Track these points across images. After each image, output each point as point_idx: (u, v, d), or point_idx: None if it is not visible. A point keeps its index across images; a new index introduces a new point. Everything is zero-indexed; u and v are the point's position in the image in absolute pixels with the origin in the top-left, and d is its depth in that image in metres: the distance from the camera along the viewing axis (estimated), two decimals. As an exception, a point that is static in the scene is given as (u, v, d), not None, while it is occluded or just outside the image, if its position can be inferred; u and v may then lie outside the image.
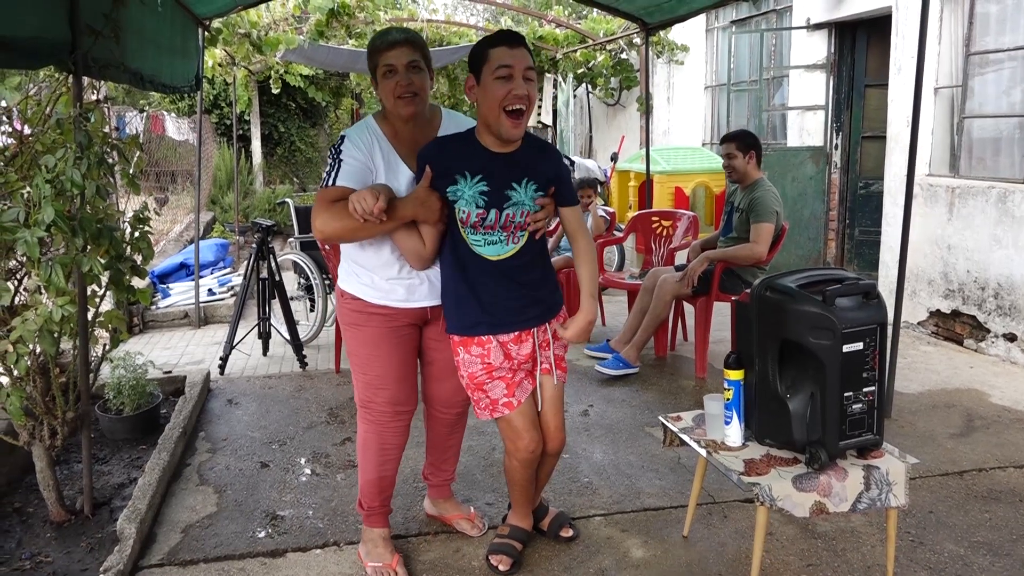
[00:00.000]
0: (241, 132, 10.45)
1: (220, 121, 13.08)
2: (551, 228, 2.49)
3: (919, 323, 5.53)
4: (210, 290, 6.43)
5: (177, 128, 12.89)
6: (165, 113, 13.29)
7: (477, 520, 2.83)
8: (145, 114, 12.24)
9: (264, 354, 5.20)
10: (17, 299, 2.82)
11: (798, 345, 2.28)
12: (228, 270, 7.19)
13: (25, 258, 2.69)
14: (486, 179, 2.28)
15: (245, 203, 10.86)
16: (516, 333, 2.42)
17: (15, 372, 2.76)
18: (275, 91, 9.25)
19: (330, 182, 2.30)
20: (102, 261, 2.71)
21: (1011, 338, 4.78)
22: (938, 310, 5.37)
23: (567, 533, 2.77)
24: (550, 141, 12.22)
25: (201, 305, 6.10)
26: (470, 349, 2.41)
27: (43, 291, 2.66)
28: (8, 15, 2.27)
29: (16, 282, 2.86)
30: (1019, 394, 4.21)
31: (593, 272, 2.47)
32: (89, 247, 2.70)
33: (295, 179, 14.25)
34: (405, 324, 2.49)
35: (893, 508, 2.38)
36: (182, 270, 6.73)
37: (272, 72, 9.12)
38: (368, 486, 2.59)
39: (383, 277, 2.43)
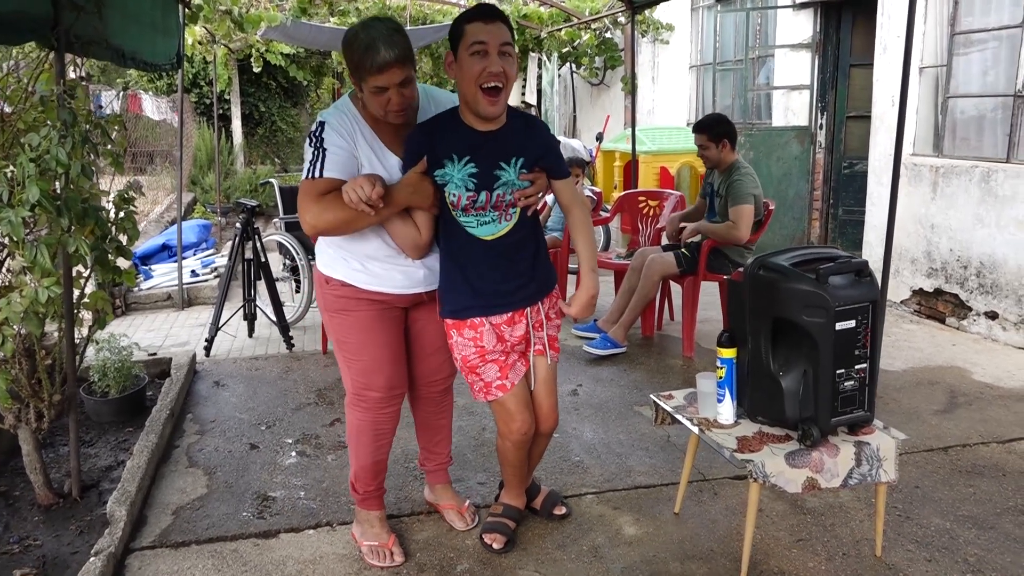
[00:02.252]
0: (221, 112, 10.30)
1: (200, 100, 12.90)
2: (542, 204, 2.44)
3: (902, 301, 5.59)
4: (193, 271, 6.37)
5: (155, 108, 12.70)
6: (142, 92, 13.09)
7: (467, 515, 2.77)
8: (123, 93, 12.05)
9: (250, 336, 5.16)
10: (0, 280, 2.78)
11: (791, 323, 2.29)
12: (211, 251, 7.12)
13: (8, 239, 2.64)
14: (474, 160, 2.25)
15: (226, 183, 10.74)
16: (509, 314, 2.40)
17: (1, 354, 2.72)
18: (256, 70, 9.13)
19: (316, 173, 2.20)
20: (88, 242, 2.67)
21: (992, 316, 4.84)
22: (921, 288, 5.43)
23: (560, 511, 2.78)
24: (534, 121, 12.16)
25: (184, 287, 6.04)
26: (463, 332, 2.40)
27: (27, 272, 2.62)
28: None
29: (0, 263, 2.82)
30: (1001, 371, 4.27)
31: (591, 244, 2.44)
32: (74, 227, 2.66)
33: (276, 159, 14.09)
34: (393, 306, 2.47)
35: (883, 483, 2.41)
36: (164, 251, 6.65)
37: (253, 51, 8.98)
38: (363, 472, 2.57)
39: (379, 264, 2.38)
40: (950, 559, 2.52)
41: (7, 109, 2.78)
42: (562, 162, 2.42)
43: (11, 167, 2.52)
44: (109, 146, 2.86)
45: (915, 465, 3.16)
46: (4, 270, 2.77)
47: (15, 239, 2.47)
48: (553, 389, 2.55)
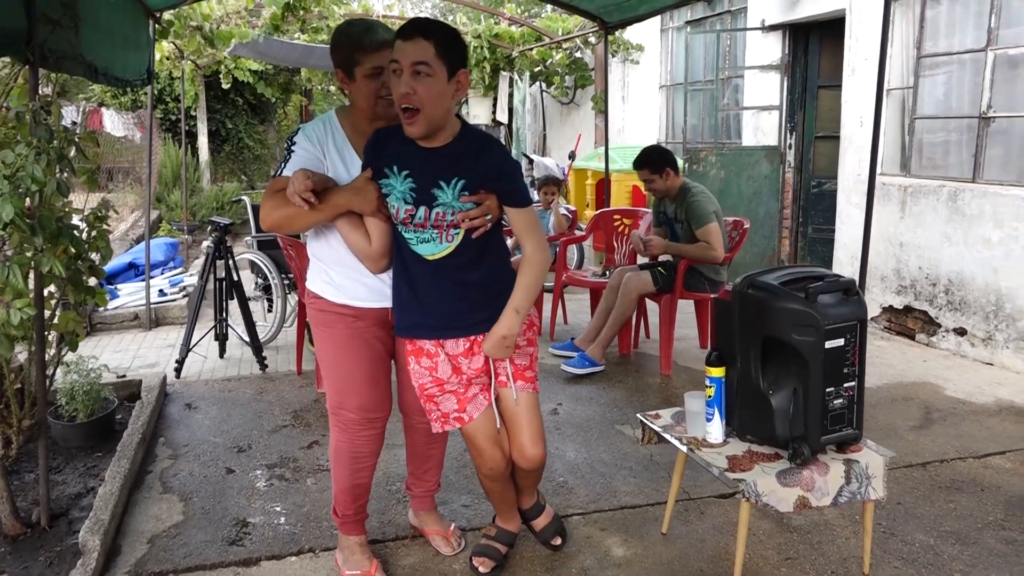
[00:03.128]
0: (188, 128, 10.17)
1: (165, 116, 12.72)
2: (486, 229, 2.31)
3: (872, 318, 5.68)
4: (161, 291, 6.24)
5: (115, 123, 12.49)
6: (103, 108, 12.88)
7: (453, 539, 2.73)
8: (82, 108, 11.84)
9: (221, 356, 5.06)
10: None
11: (781, 341, 2.30)
12: (179, 270, 6.99)
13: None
14: (413, 176, 2.18)
15: (193, 201, 10.58)
16: (467, 345, 2.31)
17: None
18: (225, 86, 9.05)
19: (279, 172, 2.29)
20: (61, 261, 2.59)
21: (961, 332, 4.93)
22: (891, 306, 5.52)
23: (556, 542, 2.68)
24: (503, 138, 12.20)
25: (152, 306, 5.91)
26: (420, 360, 2.34)
27: (-2, 293, 2.53)
28: (-37, 1, 2.15)
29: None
30: (971, 387, 4.34)
31: (530, 284, 2.26)
32: (46, 246, 2.58)
33: (243, 176, 13.95)
34: (372, 326, 2.42)
35: (871, 501, 2.42)
36: (130, 270, 6.51)
37: (222, 67, 8.89)
38: (342, 495, 2.52)
39: (342, 275, 2.38)
40: (936, 575, 2.54)
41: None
42: (517, 189, 2.24)
43: (-18, 185, 2.44)
44: (85, 164, 2.78)
45: (896, 481, 3.19)
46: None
47: (-14, 259, 2.38)
48: (530, 422, 2.38)
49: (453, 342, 2.31)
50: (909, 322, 5.37)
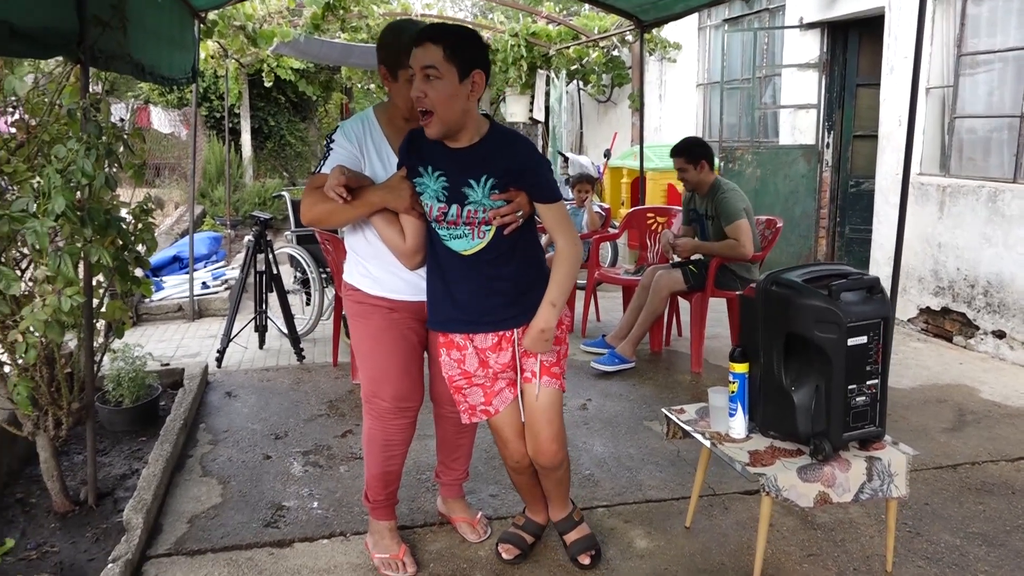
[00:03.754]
0: (231, 125, 10.41)
1: (209, 114, 13.01)
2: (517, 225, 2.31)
3: (909, 320, 5.62)
4: (204, 283, 6.42)
5: (162, 121, 12.83)
6: (151, 105, 13.22)
7: (480, 526, 2.79)
8: (131, 106, 12.17)
9: (260, 347, 5.20)
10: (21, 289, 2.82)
11: (803, 338, 2.32)
12: (221, 263, 7.18)
13: (32, 248, 2.69)
14: (445, 175, 2.24)
15: (235, 196, 10.82)
16: (495, 340, 2.35)
17: (21, 362, 2.76)
18: (268, 84, 9.24)
19: (318, 169, 2.39)
20: (109, 252, 2.71)
21: (1000, 335, 4.86)
22: (928, 307, 5.45)
23: (585, 559, 2.59)
24: (539, 137, 12.24)
25: (195, 298, 6.09)
26: (451, 353, 2.39)
27: (50, 281, 2.66)
28: (21, 5, 2.27)
29: (20, 272, 2.86)
30: (1008, 390, 4.29)
31: (562, 277, 2.29)
32: (95, 237, 2.71)
33: (285, 173, 14.20)
34: (408, 318, 2.49)
35: (894, 499, 2.44)
36: (175, 263, 6.71)
37: (264, 65, 9.08)
38: (374, 480, 2.60)
39: (379, 268, 2.46)
40: (961, 575, 2.54)
41: (32, 122, 2.83)
42: (546, 185, 2.27)
43: (36, 178, 2.57)
44: (132, 159, 2.91)
45: (924, 482, 3.18)
46: (27, 279, 2.81)
47: (39, 248, 2.51)
48: (550, 420, 2.39)
49: (482, 336, 2.36)
50: (947, 324, 5.30)
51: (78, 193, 2.62)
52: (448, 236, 2.29)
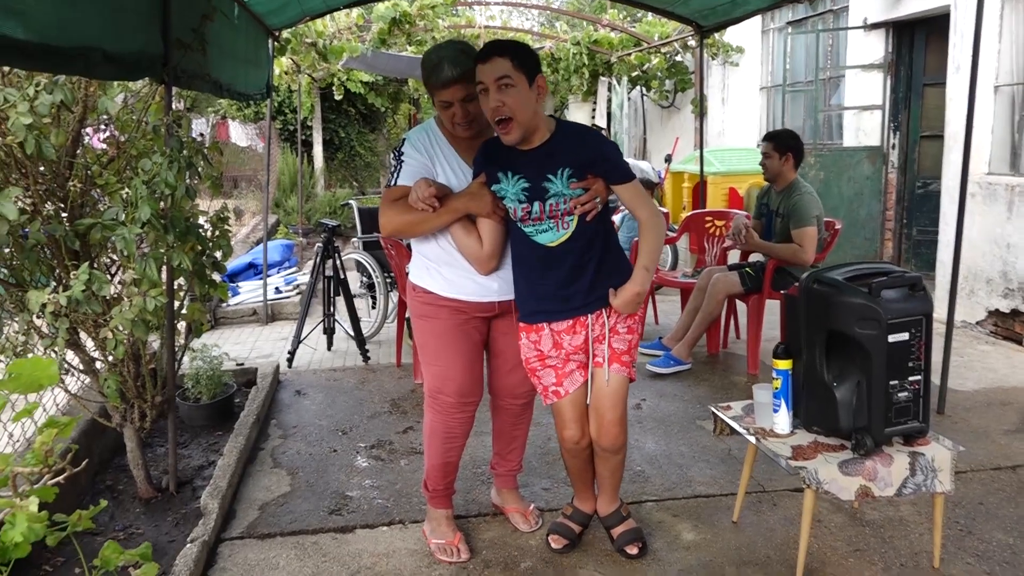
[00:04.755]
0: (304, 137, 10.82)
1: (284, 127, 13.52)
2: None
3: (977, 322, 5.49)
4: (277, 288, 6.72)
5: (239, 134, 13.39)
6: (230, 120, 13.82)
7: (531, 517, 2.91)
8: (211, 121, 12.75)
9: (328, 349, 5.43)
10: (111, 291, 3.08)
11: (845, 335, 2.37)
12: (293, 269, 7.49)
13: (120, 253, 2.94)
14: (524, 176, 2.39)
15: (308, 206, 11.22)
16: (570, 323, 2.50)
17: (110, 358, 3.02)
18: (338, 97, 9.57)
19: (393, 182, 2.52)
20: (189, 256, 2.95)
21: (1073, 338, 4.72)
22: (997, 309, 5.32)
23: (633, 550, 2.68)
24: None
25: (269, 303, 6.39)
26: (529, 336, 2.55)
27: (136, 284, 2.90)
28: (111, 31, 2.51)
29: (110, 276, 3.12)
30: (1079, 393, 4.18)
31: (653, 245, 2.46)
32: (176, 243, 2.94)
33: (355, 183, 14.62)
34: (473, 318, 2.63)
35: (939, 494, 2.45)
36: (250, 269, 7.04)
37: (335, 79, 9.43)
38: (433, 470, 2.75)
39: (453, 272, 2.57)
40: (1012, 572, 2.53)
41: (121, 138, 3.09)
42: (618, 167, 2.43)
43: (125, 190, 2.82)
44: (210, 171, 3.14)
45: (980, 483, 3.15)
46: (115, 282, 3.06)
47: (127, 254, 2.75)
48: (616, 404, 2.52)
49: (559, 322, 2.51)
50: (1016, 326, 5.17)
51: (161, 203, 2.86)
52: (535, 232, 2.45)
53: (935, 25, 6.26)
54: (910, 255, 6.84)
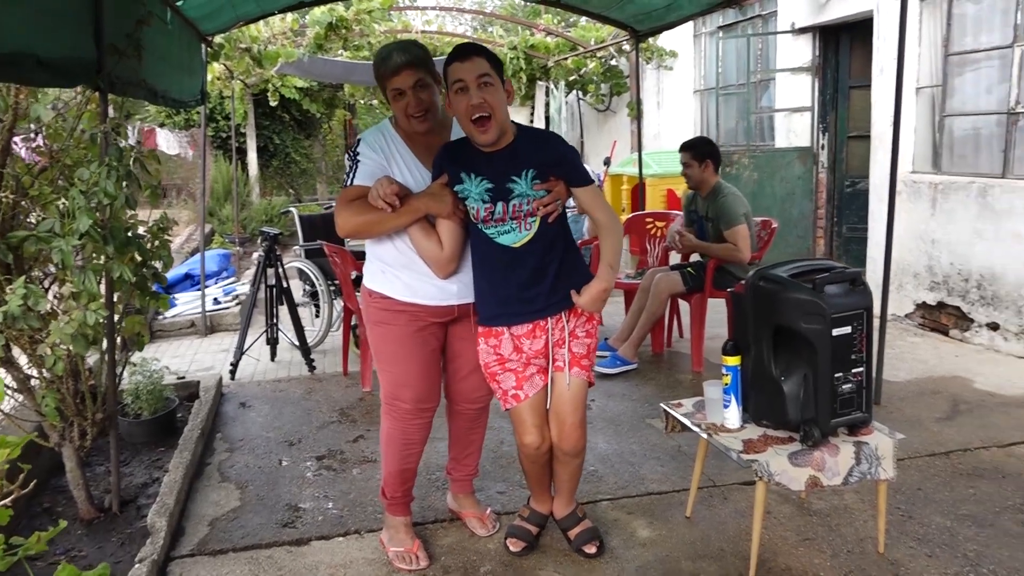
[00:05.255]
0: (237, 145, 10.59)
1: (216, 134, 13.21)
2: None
3: (906, 315, 5.72)
4: (216, 299, 6.57)
5: (169, 142, 13.01)
6: (157, 127, 13.43)
7: (488, 521, 2.92)
8: (137, 128, 12.37)
9: (272, 359, 5.33)
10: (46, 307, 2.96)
11: (791, 330, 2.45)
12: (232, 280, 7.33)
13: (57, 266, 2.84)
14: (488, 177, 2.40)
15: (243, 214, 10.99)
16: (530, 327, 2.50)
17: (47, 375, 2.91)
18: (273, 103, 9.41)
19: (349, 182, 2.48)
20: (130, 268, 2.86)
21: (994, 327, 4.96)
22: (924, 302, 5.56)
23: (591, 549, 2.71)
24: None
25: (207, 314, 6.23)
26: (488, 340, 2.54)
27: (75, 297, 2.80)
28: (45, 37, 2.42)
29: (44, 290, 3.00)
30: (1002, 380, 4.39)
31: (614, 244, 2.51)
32: (115, 255, 2.85)
33: (291, 190, 14.38)
34: (431, 323, 2.60)
35: (882, 481, 2.55)
36: (187, 280, 6.86)
37: (269, 85, 9.26)
38: (391, 477, 2.73)
39: (411, 276, 2.54)
40: (950, 554, 2.65)
41: (54, 148, 2.98)
42: (580, 170, 2.48)
43: (62, 200, 2.72)
44: (149, 180, 3.05)
45: (917, 469, 3.29)
46: (50, 296, 2.95)
47: (66, 266, 2.65)
48: (575, 408, 2.55)
49: (519, 325, 2.51)
50: (942, 318, 5.41)
51: (98, 213, 2.77)
52: (497, 234, 2.45)
53: (859, 30, 6.50)
54: (841, 252, 7.09)
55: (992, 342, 4.98)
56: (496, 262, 2.48)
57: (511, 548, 2.73)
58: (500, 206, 2.41)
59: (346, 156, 2.61)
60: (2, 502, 1.28)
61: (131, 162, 2.91)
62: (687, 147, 4.76)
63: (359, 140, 2.54)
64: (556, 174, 2.44)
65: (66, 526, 3.00)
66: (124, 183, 2.77)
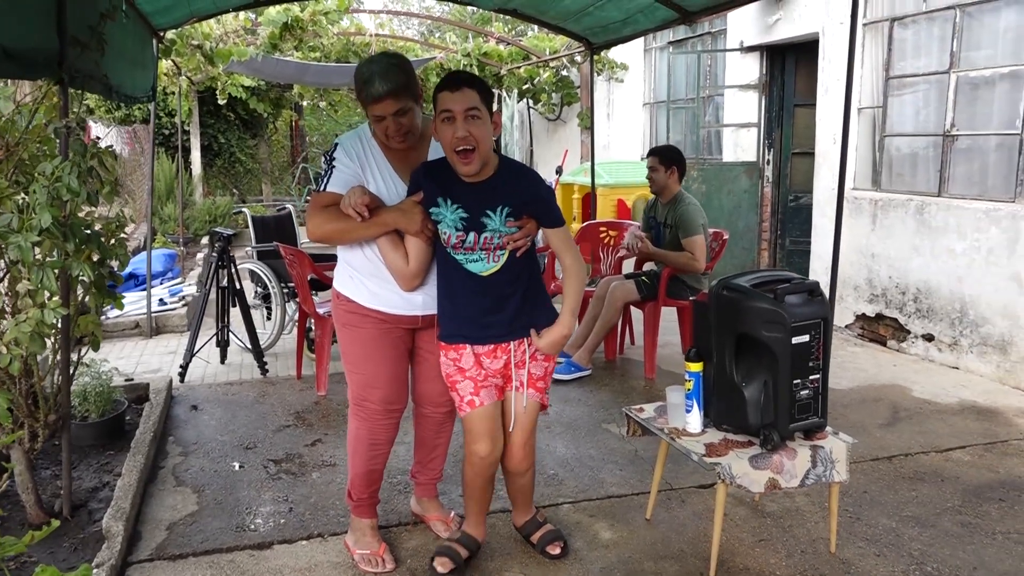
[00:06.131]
0: (181, 143, 10.35)
1: (158, 131, 12.87)
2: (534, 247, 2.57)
3: (846, 326, 5.94)
4: (161, 300, 6.42)
5: (103, 138, 12.64)
6: (91, 121, 13.01)
7: (453, 524, 2.93)
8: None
9: (222, 362, 5.24)
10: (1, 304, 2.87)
11: (752, 338, 2.54)
12: (177, 280, 7.16)
13: (10, 262, 2.75)
14: (464, 206, 2.41)
15: (185, 214, 10.74)
16: (491, 347, 2.53)
17: (1, 374, 2.81)
18: (221, 102, 9.24)
19: (323, 187, 2.49)
20: (88, 266, 2.79)
21: (929, 338, 5.20)
22: (863, 314, 5.79)
23: (555, 550, 2.76)
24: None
25: (153, 315, 6.08)
26: (448, 354, 2.56)
27: (31, 296, 2.72)
28: (9, 27, 2.36)
29: (-3, 287, 2.91)
30: (938, 388, 4.60)
31: (577, 289, 2.53)
32: (73, 252, 2.78)
33: (235, 190, 14.11)
34: (397, 328, 2.62)
35: (836, 483, 2.66)
36: (130, 280, 6.68)
37: (217, 83, 9.10)
38: (358, 479, 2.73)
39: (377, 285, 2.56)
40: (896, 553, 2.78)
41: (9, 140, 2.89)
42: (554, 212, 2.51)
43: (20, 195, 2.64)
44: (108, 176, 2.98)
45: (863, 473, 3.43)
46: (5, 293, 2.86)
47: (25, 263, 2.58)
48: (526, 429, 2.61)
49: (480, 345, 2.53)
50: (881, 329, 5.64)
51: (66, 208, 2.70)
52: (465, 261, 2.47)
53: (804, 50, 6.74)
54: (784, 264, 7.31)
55: (927, 352, 5.22)
56: (461, 287, 2.50)
57: (439, 569, 2.64)
58: (472, 236, 2.43)
59: (323, 158, 2.58)
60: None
61: (92, 158, 2.85)
62: (656, 152, 4.88)
63: (335, 145, 2.54)
64: (530, 212, 2.47)
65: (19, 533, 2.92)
66: (86, 179, 2.71)
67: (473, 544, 2.74)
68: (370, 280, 2.57)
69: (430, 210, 2.45)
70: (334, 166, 2.48)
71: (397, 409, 2.68)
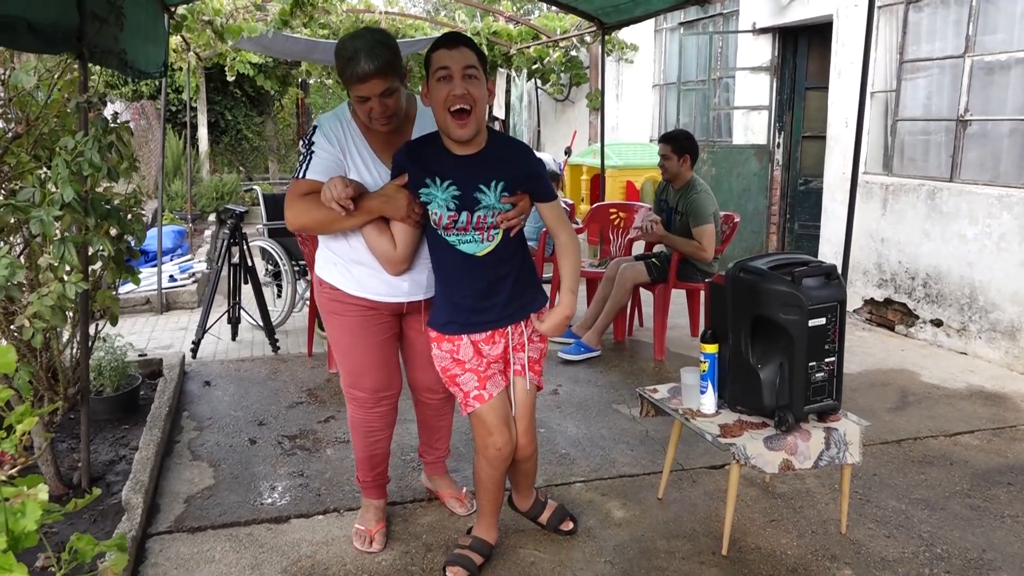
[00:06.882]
0: (189, 119, 10.34)
1: (165, 107, 12.85)
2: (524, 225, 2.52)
3: (855, 310, 5.96)
4: (172, 276, 6.44)
5: (123, 113, 12.61)
6: (108, 99, 12.99)
7: (466, 500, 2.95)
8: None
9: (233, 339, 5.27)
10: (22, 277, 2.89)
11: (769, 320, 2.56)
12: (187, 257, 7.19)
13: (30, 236, 2.77)
14: (456, 183, 2.28)
15: (193, 191, 10.74)
16: (488, 334, 2.43)
17: (22, 349, 2.84)
18: (230, 78, 9.22)
19: (301, 174, 2.35)
20: (108, 241, 2.81)
21: (938, 323, 5.21)
22: (872, 298, 5.80)
23: (567, 526, 2.77)
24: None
25: (163, 291, 6.11)
26: (441, 345, 2.45)
27: (52, 270, 2.74)
28: (35, 2, 2.36)
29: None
30: (946, 374, 4.62)
31: (574, 267, 2.43)
32: (93, 227, 2.80)
33: (241, 168, 14.10)
34: (383, 314, 2.57)
35: (848, 465, 2.69)
36: (140, 256, 6.69)
37: (225, 60, 9.07)
38: (360, 463, 2.74)
39: (362, 272, 2.49)
40: (906, 535, 2.81)
41: (30, 115, 2.90)
42: (547, 186, 2.41)
43: (44, 169, 2.66)
44: (126, 151, 3.00)
45: (872, 456, 3.46)
46: (27, 267, 2.88)
47: (46, 237, 2.60)
48: (528, 413, 2.53)
49: (477, 333, 2.45)
50: (889, 314, 5.65)
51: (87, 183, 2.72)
52: (458, 242, 2.35)
53: (817, 32, 6.70)
54: (793, 248, 7.31)
55: (935, 338, 5.23)
56: (455, 268, 2.39)
57: None
58: (464, 215, 2.30)
59: (301, 142, 2.46)
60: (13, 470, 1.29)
61: (112, 133, 2.86)
62: (668, 139, 4.86)
63: (315, 128, 2.41)
64: (524, 188, 2.37)
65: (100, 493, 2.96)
66: (107, 154, 2.73)
67: (487, 549, 2.63)
68: (354, 267, 2.48)
69: (419, 191, 2.32)
70: (313, 151, 2.35)
71: (388, 396, 2.64)
